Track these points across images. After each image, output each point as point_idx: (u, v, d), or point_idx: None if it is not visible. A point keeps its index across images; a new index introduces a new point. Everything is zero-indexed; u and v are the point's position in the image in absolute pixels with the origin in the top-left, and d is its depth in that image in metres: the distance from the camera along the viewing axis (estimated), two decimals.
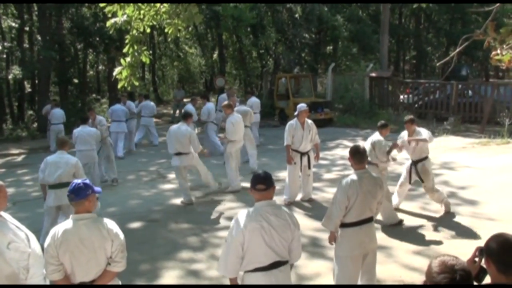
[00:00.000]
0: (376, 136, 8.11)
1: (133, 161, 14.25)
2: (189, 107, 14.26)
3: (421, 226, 7.87)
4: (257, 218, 3.91)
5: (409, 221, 8.05)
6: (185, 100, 22.92)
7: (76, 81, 27.84)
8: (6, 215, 4.21)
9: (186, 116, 9.56)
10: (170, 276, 6.43)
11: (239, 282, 4.13)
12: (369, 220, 5.12)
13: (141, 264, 6.69)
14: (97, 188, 4.02)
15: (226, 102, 11.10)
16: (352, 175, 5.08)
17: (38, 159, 10.53)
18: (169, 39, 34.19)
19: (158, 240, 7.76)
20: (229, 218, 8.31)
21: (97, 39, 24.70)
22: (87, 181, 3.99)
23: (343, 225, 5.03)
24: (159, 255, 7.10)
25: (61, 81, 25.75)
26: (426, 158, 8.19)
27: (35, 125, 22.73)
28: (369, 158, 8.26)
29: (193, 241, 7.63)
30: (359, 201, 4.95)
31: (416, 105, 19.91)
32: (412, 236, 7.46)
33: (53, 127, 16.53)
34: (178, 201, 9.72)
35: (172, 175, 12.16)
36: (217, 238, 7.65)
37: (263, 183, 4.01)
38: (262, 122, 16.90)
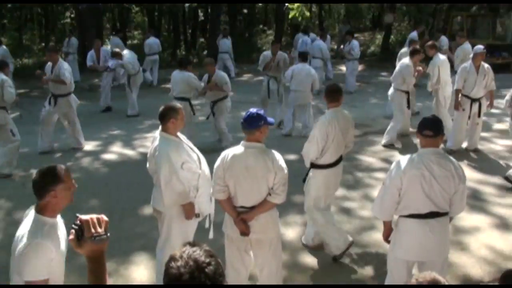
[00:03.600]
0: None
1: None
2: None
3: None
4: (418, 166, 3.77)
5: None
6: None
7: (245, 11, 28.53)
8: (182, 136, 4.60)
9: None
10: None
11: (393, 226, 4.10)
12: None
13: (295, 196, 6.84)
14: (270, 119, 4.07)
15: (431, 43, 10.13)
16: None
17: None
18: None
19: None
20: (385, 160, 8.19)
21: None
22: (262, 111, 4.02)
23: None
24: None
25: (231, 10, 26.55)
26: None
27: (205, 52, 23.95)
28: None
29: (347, 179, 7.60)
30: None
31: None
32: None
33: (221, 55, 17.30)
34: None
35: None
36: (371, 178, 7.59)
37: (431, 129, 3.83)
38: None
